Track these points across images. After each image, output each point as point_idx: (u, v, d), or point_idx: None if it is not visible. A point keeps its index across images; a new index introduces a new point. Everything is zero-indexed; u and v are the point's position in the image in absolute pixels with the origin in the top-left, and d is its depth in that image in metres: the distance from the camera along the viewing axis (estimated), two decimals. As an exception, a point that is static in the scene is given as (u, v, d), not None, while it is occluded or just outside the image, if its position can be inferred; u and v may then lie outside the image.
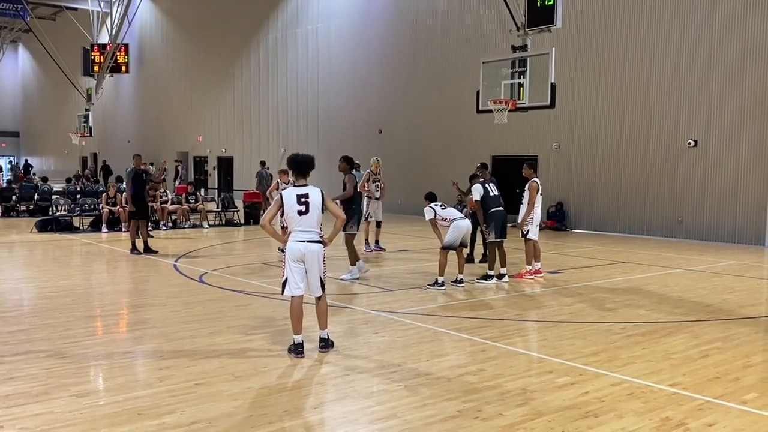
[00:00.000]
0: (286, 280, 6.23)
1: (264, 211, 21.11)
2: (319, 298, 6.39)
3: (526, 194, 10.88)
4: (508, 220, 10.89)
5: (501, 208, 10.61)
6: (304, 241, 6.18)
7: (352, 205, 10.60)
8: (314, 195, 6.22)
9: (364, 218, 13.43)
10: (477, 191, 10.63)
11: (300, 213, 6.14)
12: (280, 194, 6.25)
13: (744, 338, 7.17)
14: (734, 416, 4.88)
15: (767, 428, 4.67)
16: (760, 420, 4.82)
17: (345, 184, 10.61)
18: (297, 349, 6.23)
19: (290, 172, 6.49)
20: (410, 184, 23.04)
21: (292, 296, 6.27)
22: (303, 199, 6.16)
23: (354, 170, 21.41)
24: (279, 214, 6.49)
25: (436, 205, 10.05)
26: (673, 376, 5.78)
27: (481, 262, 12.06)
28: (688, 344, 6.85)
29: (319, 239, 6.26)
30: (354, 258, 10.63)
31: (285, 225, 6.60)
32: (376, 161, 14.24)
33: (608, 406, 5.03)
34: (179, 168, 31.74)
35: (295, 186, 6.33)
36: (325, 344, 6.40)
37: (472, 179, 12.15)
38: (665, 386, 5.49)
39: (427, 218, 10.06)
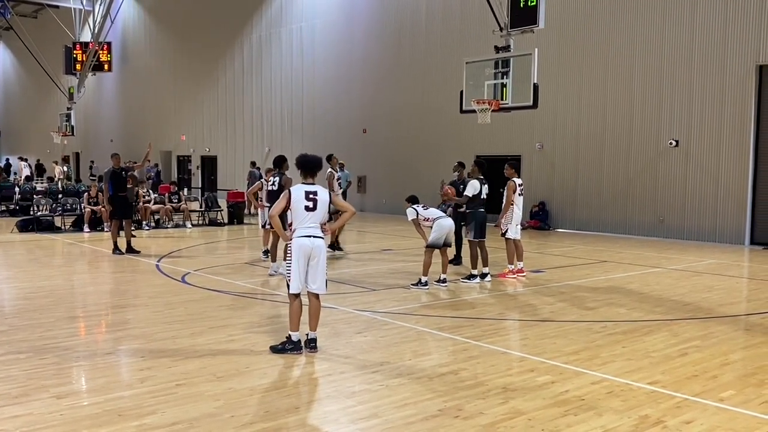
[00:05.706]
0: (293, 277, 6.25)
1: (248, 211, 21.18)
2: (315, 297, 6.38)
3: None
4: (489, 219, 10.94)
5: (482, 209, 10.69)
6: (310, 237, 6.23)
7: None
8: (322, 193, 6.34)
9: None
10: (473, 187, 10.62)
11: (307, 209, 6.23)
12: (288, 189, 6.31)
13: (722, 336, 7.26)
14: (711, 414, 4.95)
15: (743, 425, 4.74)
16: (737, 417, 4.89)
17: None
18: (298, 346, 6.27)
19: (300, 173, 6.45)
20: (394, 184, 23.09)
21: (295, 294, 6.29)
22: (311, 196, 6.25)
23: (339, 170, 21.25)
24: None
25: (417, 206, 10.15)
26: (652, 374, 5.84)
27: (452, 262, 11.56)
28: (668, 342, 6.93)
29: (322, 236, 6.35)
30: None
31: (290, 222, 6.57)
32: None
33: (588, 404, 5.08)
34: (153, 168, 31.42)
35: (303, 183, 6.38)
36: (315, 344, 6.39)
37: (458, 180, 12.18)
38: (644, 384, 5.55)
39: (409, 218, 10.17)
